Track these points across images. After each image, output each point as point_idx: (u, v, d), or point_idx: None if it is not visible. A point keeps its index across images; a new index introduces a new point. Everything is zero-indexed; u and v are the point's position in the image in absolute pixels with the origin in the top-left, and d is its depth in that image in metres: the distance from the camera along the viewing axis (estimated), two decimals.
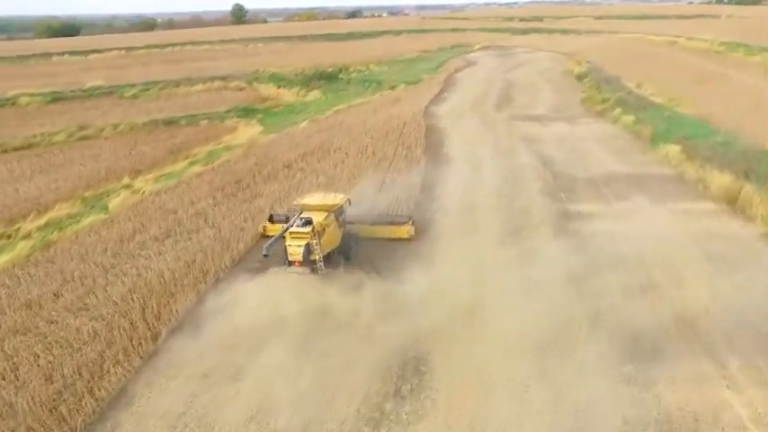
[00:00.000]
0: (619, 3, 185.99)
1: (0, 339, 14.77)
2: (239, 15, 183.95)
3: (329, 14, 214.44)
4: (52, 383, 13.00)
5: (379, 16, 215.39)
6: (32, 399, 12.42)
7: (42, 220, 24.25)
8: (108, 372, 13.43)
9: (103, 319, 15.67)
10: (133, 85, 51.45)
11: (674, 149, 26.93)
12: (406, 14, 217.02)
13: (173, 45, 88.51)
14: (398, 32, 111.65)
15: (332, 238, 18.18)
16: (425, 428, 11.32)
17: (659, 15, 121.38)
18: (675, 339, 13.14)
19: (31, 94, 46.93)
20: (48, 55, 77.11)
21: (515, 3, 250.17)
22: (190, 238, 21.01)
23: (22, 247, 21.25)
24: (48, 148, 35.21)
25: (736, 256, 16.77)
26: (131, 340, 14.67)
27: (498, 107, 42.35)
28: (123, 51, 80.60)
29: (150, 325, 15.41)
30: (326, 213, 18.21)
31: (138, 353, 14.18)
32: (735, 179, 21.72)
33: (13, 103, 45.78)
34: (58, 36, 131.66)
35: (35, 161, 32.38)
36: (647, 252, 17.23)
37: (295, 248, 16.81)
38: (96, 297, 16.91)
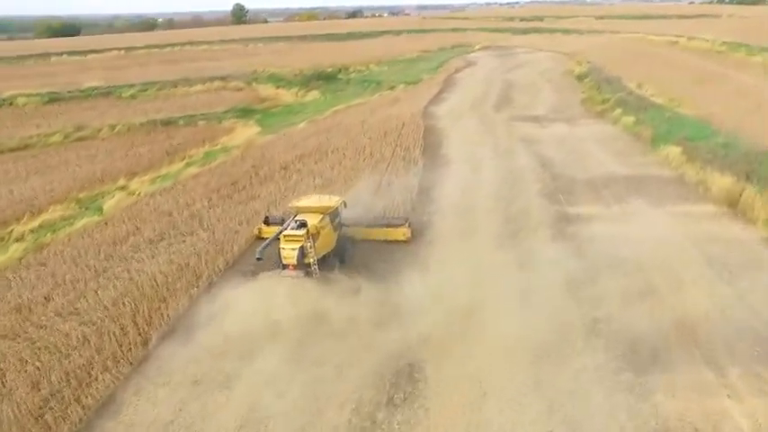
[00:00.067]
0: (620, 3, 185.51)
1: None
2: (239, 15, 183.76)
3: (330, 14, 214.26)
4: (39, 391, 12.77)
5: (380, 16, 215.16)
6: (18, 407, 12.19)
7: (36, 222, 24.09)
8: (96, 379, 13.19)
9: (93, 324, 15.45)
10: (131, 86, 51.19)
11: (674, 151, 26.62)
12: (407, 14, 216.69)
13: (172, 45, 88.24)
14: (398, 32, 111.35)
15: (327, 241, 17.94)
16: None
17: (660, 15, 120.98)
18: (675, 346, 12.87)
19: (29, 95, 46.72)
20: (46, 55, 76.87)
21: (516, 2, 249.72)
22: (183, 241, 20.78)
23: (14, 250, 21.07)
24: (44, 148, 35.04)
25: (737, 260, 16.49)
26: (121, 346, 14.43)
27: (497, 108, 42.06)
28: (122, 52, 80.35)
29: (141, 330, 15.18)
30: (321, 216, 17.96)
31: (128, 359, 13.94)
32: (736, 181, 21.41)
33: (10, 104, 45.59)
34: (58, 36, 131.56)
35: (30, 162, 32.19)
36: (646, 256, 16.96)
37: (289, 252, 16.56)
38: (87, 301, 16.68)
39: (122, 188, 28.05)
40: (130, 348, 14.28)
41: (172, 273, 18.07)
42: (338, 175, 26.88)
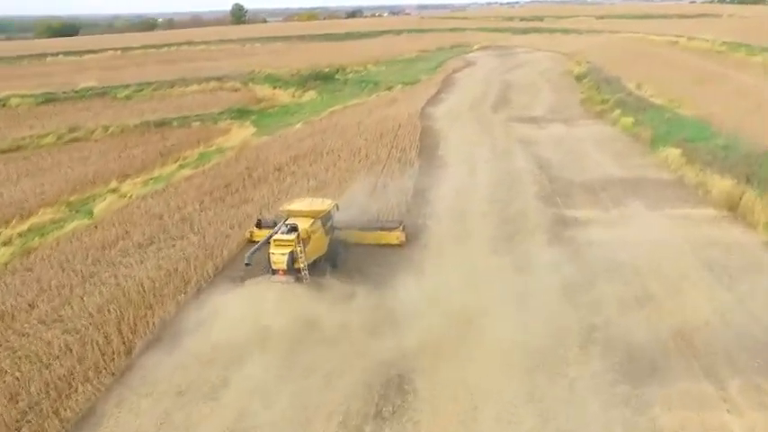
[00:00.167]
0: (620, 2, 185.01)
1: None
2: (239, 15, 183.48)
3: (329, 14, 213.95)
4: (17, 403, 12.37)
5: (380, 16, 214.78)
6: None
7: (25, 226, 23.65)
8: (76, 390, 12.79)
9: (77, 332, 15.06)
10: (127, 86, 50.70)
11: (673, 152, 26.23)
12: (408, 14, 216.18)
13: (169, 45, 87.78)
14: (398, 32, 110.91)
15: (318, 245, 17.59)
16: None
17: (661, 15, 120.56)
18: (673, 356, 12.48)
19: (23, 96, 46.26)
20: (42, 55, 76.39)
21: (516, 2, 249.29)
22: (173, 245, 20.39)
23: (1, 255, 20.66)
24: (36, 150, 34.60)
25: (738, 264, 16.11)
26: (104, 355, 14.05)
27: (496, 108, 41.68)
28: (119, 52, 79.88)
29: (125, 338, 14.79)
30: (313, 220, 17.61)
31: (110, 369, 13.55)
32: (736, 184, 21.03)
33: (3, 105, 45.13)
34: (57, 36, 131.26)
35: (22, 164, 31.77)
36: (644, 261, 16.60)
37: (279, 257, 16.19)
38: (72, 308, 16.29)
39: (114, 191, 27.62)
40: (113, 358, 13.89)
41: (160, 278, 17.69)
42: (333, 177, 26.51)
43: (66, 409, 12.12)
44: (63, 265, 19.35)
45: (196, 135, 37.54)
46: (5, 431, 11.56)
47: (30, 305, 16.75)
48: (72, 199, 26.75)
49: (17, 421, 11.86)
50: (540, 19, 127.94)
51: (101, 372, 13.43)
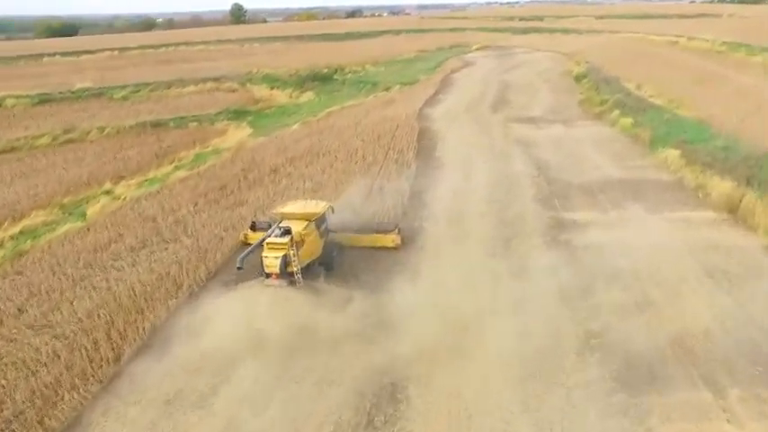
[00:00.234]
0: (620, 2, 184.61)
1: None
2: (238, 15, 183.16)
3: (329, 14, 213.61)
4: (1, 412, 12.13)
5: (379, 16, 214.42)
6: None
7: (17, 228, 23.38)
8: (63, 398, 12.55)
9: (66, 338, 14.84)
10: (123, 87, 50.36)
11: (673, 154, 25.95)
12: (408, 14, 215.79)
13: (167, 45, 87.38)
14: (397, 32, 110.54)
15: (312, 248, 17.35)
16: None
17: (660, 15, 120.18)
18: (671, 364, 12.23)
19: (18, 96, 45.94)
20: (39, 56, 76.04)
21: (516, 2, 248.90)
22: (166, 249, 20.14)
23: None
24: (30, 151, 34.31)
25: (738, 270, 15.84)
26: (92, 362, 13.80)
27: (494, 109, 41.38)
28: (116, 52, 79.53)
29: (114, 344, 14.55)
30: (307, 222, 17.37)
31: (98, 376, 13.30)
32: (736, 186, 20.76)
33: None
34: (57, 36, 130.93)
35: (16, 165, 31.51)
36: (643, 265, 16.34)
37: (272, 260, 15.98)
38: (61, 313, 16.06)
39: (108, 192, 27.34)
40: (101, 365, 13.64)
41: (151, 282, 17.45)
42: (329, 179, 26.25)
43: (51, 419, 11.88)
44: (54, 268, 19.09)
45: (192, 136, 37.25)
46: None
47: (19, 310, 16.51)
48: (65, 201, 26.47)
49: (1, 431, 11.59)
50: (540, 19, 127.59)
51: (88, 379, 13.19)
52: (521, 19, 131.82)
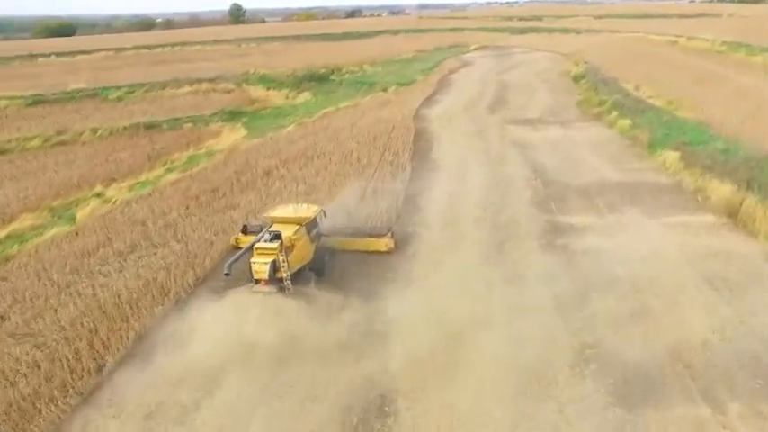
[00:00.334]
0: (620, 2, 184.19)
1: None
2: (237, 15, 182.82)
3: (329, 14, 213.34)
4: None
5: (378, 15, 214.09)
6: None
7: (4, 232, 23.05)
8: (40, 411, 12.15)
9: (48, 347, 14.45)
10: (118, 88, 49.87)
11: (672, 156, 25.54)
12: (408, 14, 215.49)
13: (163, 46, 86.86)
14: (396, 32, 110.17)
15: (303, 253, 16.98)
16: None
17: (660, 14, 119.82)
18: (669, 377, 11.81)
19: (11, 97, 45.46)
20: (34, 56, 75.54)
21: (516, 2, 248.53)
22: (155, 253, 19.75)
23: None
24: (22, 153, 33.91)
25: (738, 277, 15.41)
26: (73, 373, 13.41)
27: (491, 110, 40.98)
28: (112, 52, 79.02)
29: (97, 354, 14.16)
30: (297, 227, 16.99)
31: (78, 388, 12.90)
32: (736, 189, 20.31)
33: None
34: (54, 36, 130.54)
35: (6, 168, 31.11)
36: (640, 272, 15.92)
37: (261, 266, 15.62)
38: (44, 321, 15.67)
39: (98, 195, 26.95)
40: (82, 376, 13.24)
41: (138, 289, 17.05)
42: (322, 182, 25.86)
43: None
44: (40, 274, 18.71)
45: (186, 137, 36.87)
46: None
47: (1, 317, 16.15)
48: (55, 204, 26.11)
49: None
50: (539, 19, 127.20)
51: (68, 391, 12.79)
52: (519, 19, 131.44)
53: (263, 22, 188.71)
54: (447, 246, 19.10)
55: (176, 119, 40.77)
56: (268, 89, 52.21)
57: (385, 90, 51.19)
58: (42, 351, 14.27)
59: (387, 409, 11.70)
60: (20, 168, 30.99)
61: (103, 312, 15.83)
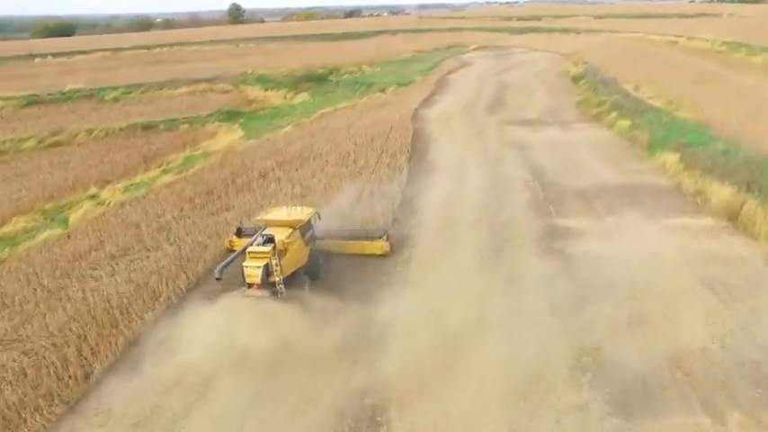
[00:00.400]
0: (620, 2, 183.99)
1: None
2: (236, 15, 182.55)
3: (328, 14, 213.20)
4: None
5: (378, 15, 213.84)
6: None
7: None
8: (26, 421, 11.90)
9: (35, 354, 14.18)
10: (115, 88, 49.58)
11: (671, 158, 25.22)
12: (407, 14, 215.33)
13: (161, 46, 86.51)
14: (394, 32, 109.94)
15: (297, 257, 16.73)
16: None
17: (660, 14, 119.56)
18: (668, 385, 11.53)
19: (6, 98, 45.13)
20: (31, 56, 75.19)
21: (516, 2, 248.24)
22: (147, 257, 19.51)
23: None
24: (16, 154, 33.65)
25: (739, 282, 15.11)
26: (60, 380, 13.14)
27: (490, 110, 40.70)
28: (109, 53, 78.68)
29: (85, 361, 13.90)
30: (291, 230, 16.72)
31: (64, 396, 12.65)
32: (736, 192, 20.01)
33: None
34: (53, 36, 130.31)
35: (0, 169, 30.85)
36: (639, 276, 15.62)
37: (253, 270, 15.36)
38: (32, 326, 15.40)
39: (93, 197, 26.74)
40: (69, 384, 12.97)
41: (129, 293, 16.78)
42: (318, 184, 25.59)
43: None
44: (30, 278, 18.46)
45: (182, 138, 36.63)
46: None
47: None
48: (48, 206, 25.88)
49: None
50: (539, 18, 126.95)
51: (54, 399, 12.52)
52: (519, 19, 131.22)
53: (262, 21, 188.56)
54: (444, 249, 18.86)
55: (173, 119, 40.53)
56: (266, 89, 51.95)
57: (383, 90, 50.94)
58: (30, 358, 14.01)
59: (379, 419, 11.44)
60: (13, 170, 30.74)
61: (93, 318, 15.57)
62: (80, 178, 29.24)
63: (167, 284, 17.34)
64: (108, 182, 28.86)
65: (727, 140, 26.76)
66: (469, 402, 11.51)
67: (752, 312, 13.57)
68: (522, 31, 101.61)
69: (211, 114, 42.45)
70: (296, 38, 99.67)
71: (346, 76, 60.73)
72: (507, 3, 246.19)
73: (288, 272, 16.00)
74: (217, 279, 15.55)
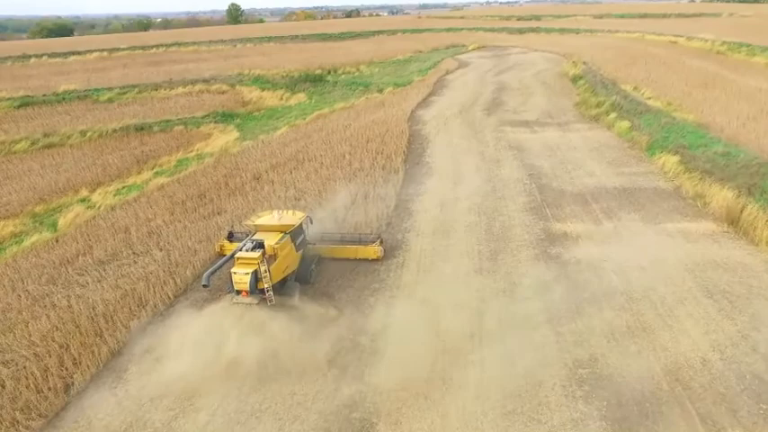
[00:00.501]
0: (620, 1, 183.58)
1: None
2: (235, 15, 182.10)
3: (328, 13, 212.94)
4: None
5: (377, 15, 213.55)
6: None
7: None
8: None
9: (16, 365, 13.76)
10: (110, 89, 49.03)
11: (671, 160, 24.81)
12: (407, 13, 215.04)
13: (158, 46, 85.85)
14: (393, 32, 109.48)
15: (287, 262, 16.33)
16: None
17: (660, 14, 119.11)
18: (666, 399, 11.12)
19: None
20: (26, 57, 74.56)
21: (516, 1, 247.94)
22: (135, 262, 19.08)
23: None
24: (7, 156, 33.14)
25: (740, 290, 14.70)
26: (39, 392, 12.74)
27: (488, 111, 40.26)
28: (105, 53, 78.11)
29: (66, 372, 13.49)
30: (281, 235, 16.31)
31: (42, 409, 12.23)
32: (737, 195, 19.60)
33: None
34: (52, 36, 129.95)
35: None
36: (637, 283, 15.25)
37: (241, 276, 14.91)
38: (14, 335, 14.97)
39: (84, 200, 26.29)
40: (48, 396, 12.56)
41: (114, 301, 16.38)
42: (312, 187, 25.17)
43: None
44: (15, 284, 18.05)
45: (176, 140, 36.16)
46: None
47: None
48: (38, 209, 25.42)
49: None
50: (538, 18, 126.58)
51: (31, 412, 12.11)
52: (518, 18, 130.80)
53: (261, 21, 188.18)
54: (438, 255, 18.45)
55: (167, 121, 40.02)
56: (262, 90, 51.39)
57: (380, 91, 50.47)
58: (9, 368, 13.60)
59: None
60: (4, 172, 30.27)
61: (77, 326, 15.16)
62: (71, 181, 28.80)
63: (155, 291, 16.94)
64: (100, 184, 28.41)
65: (727, 142, 26.37)
66: (459, 416, 11.12)
67: (753, 321, 13.17)
68: (521, 31, 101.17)
69: (207, 115, 41.94)
70: (294, 38, 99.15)
71: (344, 76, 60.20)
72: (507, 2, 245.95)
73: (278, 278, 15.61)
74: (204, 286, 15.10)
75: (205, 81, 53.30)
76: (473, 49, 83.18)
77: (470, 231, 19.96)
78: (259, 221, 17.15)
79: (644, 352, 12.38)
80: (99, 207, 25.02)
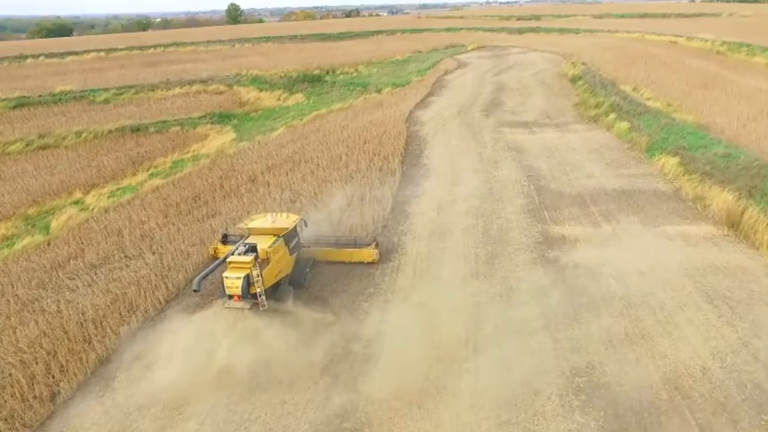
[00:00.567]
0: (620, 1, 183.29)
1: None
2: (234, 15, 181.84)
3: (327, 13, 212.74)
4: None
5: (377, 15, 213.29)
6: None
7: None
8: None
9: (1, 372, 13.50)
10: (106, 90, 48.73)
11: (670, 161, 24.53)
12: (407, 13, 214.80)
13: (156, 47, 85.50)
14: (392, 32, 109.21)
15: (281, 266, 16.08)
16: None
17: (660, 14, 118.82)
18: (665, 409, 10.84)
19: None
20: (23, 57, 74.23)
21: (516, 2, 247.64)
22: (127, 266, 18.80)
23: None
24: (1, 158, 32.84)
25: (740, 295, 14.44)
26: (24, 401, 12.47)
27: (486, 112, 39.97)
28: (102, 53, 77.76)
29: (53, 380, 13.23)
30: (275, 238, 16.05)
31: (26, 419, 11.96)
32: (737, 198, 19.32)
33: None
34: (50, 37, 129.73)
35: None
36: (636, 289, 14.98)
37: (233, 281, 14.66)
38: (1, 342, 14.70)
39: (77, 202, 26.01)
40: (33, 405, 12.29)
41: (105, 306, 16.12)
42: (308, 189, 24.90)
43: None
44: (5, 289, 17.79)
45: (172, 141, 35.88)
46: None
47: None
48: (31, 212, 25.16)
49: None
50: (538, 18, 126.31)
51: (15, 422, 11.84)
52: (518, 18, 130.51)
53: (261, 21, 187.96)
54: (435, 259, 18.18)
55: (164, 122, 39.73)
56: (260, 90, 51.10)
57: (379, 91, 50.18)
58: None
59: None
60: None
61: (65, 332, 14.89)
62: (66, 182, 28.54)
63: (146, 296, 16.68)
64: (94, 186, 28.15)
65: (727, 143, 26.10)
66: (453, 427, 10.82)
67: (754, 328, 12.91)
68: (520, 31, 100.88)
69: (203, 116, 41.66)
70: (293, 38, 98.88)
71: (342, 76, 59.90)
72: (507, 2, 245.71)
73: (270, 283, 15.36)
74: (195, 291, 14.92)
75: (202, 81, 53.01)
76: (472, 50, 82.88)
77: (467, 234, 19.69)
78: (252, 224, 16.89)
79: (642, 360, 12.10)
80: (92, 209, 24.74)
